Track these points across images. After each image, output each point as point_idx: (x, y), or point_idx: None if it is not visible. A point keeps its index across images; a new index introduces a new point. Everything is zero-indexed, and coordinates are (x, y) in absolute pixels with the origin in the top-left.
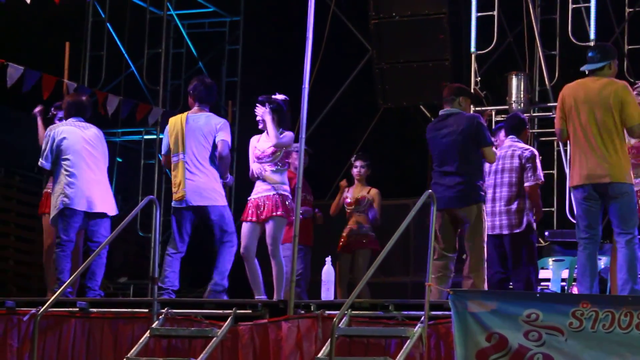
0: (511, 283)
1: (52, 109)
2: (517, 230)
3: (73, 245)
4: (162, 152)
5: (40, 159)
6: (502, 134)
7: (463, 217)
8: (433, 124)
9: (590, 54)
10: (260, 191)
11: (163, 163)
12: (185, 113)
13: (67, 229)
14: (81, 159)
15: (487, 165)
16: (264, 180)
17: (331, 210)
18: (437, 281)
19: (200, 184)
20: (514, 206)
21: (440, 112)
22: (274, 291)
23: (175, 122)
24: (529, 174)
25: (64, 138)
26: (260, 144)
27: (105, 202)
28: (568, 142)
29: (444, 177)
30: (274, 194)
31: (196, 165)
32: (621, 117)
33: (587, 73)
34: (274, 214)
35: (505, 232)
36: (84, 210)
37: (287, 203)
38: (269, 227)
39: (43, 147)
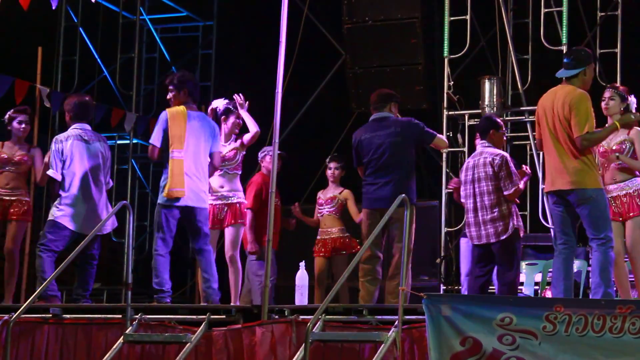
0: (494, 287)
1: (11, 111)
2: (504, 237)
3: (57, 254)
4: (156, 144)
5: (51, 169)
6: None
7: (394, 219)
8: (366, 128)
9: (565, 60)
10: (218, 197)
11: (152, 154)
12: (183, 108)
13: (57, 238)
14: (79, 178)
15: (462, 175)
16: (221, 187)
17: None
18: (367, 284)
19: (198, 185)
20: (498, 213)
21: (373, 117)
22: (232, 297)
23: (176, 115)
24: (507, 182)
25: (71, 153)
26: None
27: (94, 222)
28: None
29: (377, 178)
30: (231, 201)
31: (195, 165)
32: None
33: (562, 79)
34: (233, 221)
35: (493, 240)
36: (72, 229)
37: (244, 209)
38: (227, 233)
39: (51, 159)
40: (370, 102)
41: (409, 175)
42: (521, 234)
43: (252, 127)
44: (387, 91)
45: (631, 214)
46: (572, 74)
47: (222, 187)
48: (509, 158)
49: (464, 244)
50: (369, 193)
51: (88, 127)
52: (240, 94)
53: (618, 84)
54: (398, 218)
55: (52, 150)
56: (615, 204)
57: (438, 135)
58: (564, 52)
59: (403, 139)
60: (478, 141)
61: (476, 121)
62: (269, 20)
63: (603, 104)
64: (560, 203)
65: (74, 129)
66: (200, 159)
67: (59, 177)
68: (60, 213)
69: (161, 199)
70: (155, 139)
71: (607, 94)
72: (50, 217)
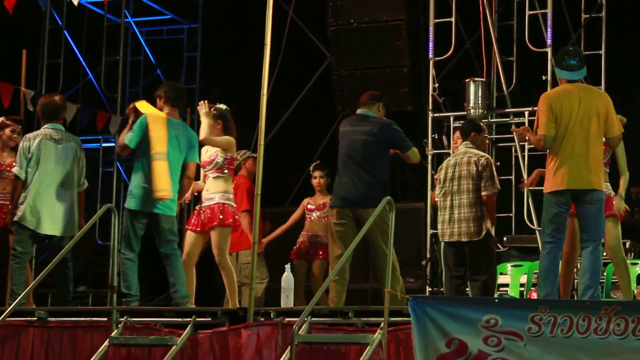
0: (468, 288)
1: (4, 118)
2: (476, 239)
3: (29, 257)
4: (130, 144)
5: (16, 167)
6: (456, 134)
7: (363, 218)
8: (348, 120)
9: (572, 62)
10: (203, 200)
11: (122, 152)
12: (164, 114)
13: (22, 241)
14: (45, 177)
15: (441, 173)
16: (206, 189)
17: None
18: (336, 285)
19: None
20: (474, 213)
21: (358, 112)
22: (229, 300)
23: (156, 119)
24: (488, 183)
25: (38, 152)
26: (204, 151)
27: (57, 223)
28: (526, 146)
29: (351, 175)
30: (217, 203)
31: (172, 172)
32: (605, 126)
33: (566, 80)
34: (216, 223)
35: (465, 239)
36: (33, 229)
37: (231, 211)
38: (214, 236)
39: (17, 157)
40: (359, 100)
41: (379, 176)
42: (492, 238)
43: (201, 134)
44: (377, 93)
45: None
46: (583, 75)
47: (207, 190)
48: (492, 161)
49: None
50: (338, 191)
51: (60, 127)
52: (205, 101)
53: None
54: (367, 218)
55: (20, 148)
56: None
57: (414, 148)
58: (551, 52)
59: (377, 140)
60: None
61: (461, 123)
62: (253, 23)
63: None
64: (565, 203)
65: (45, 128)
66: (178, 167)
67: (22, 176)
68: (20, 213)
69: (128, 204)
70: (132, 140)
71: None
72: (15, 218)
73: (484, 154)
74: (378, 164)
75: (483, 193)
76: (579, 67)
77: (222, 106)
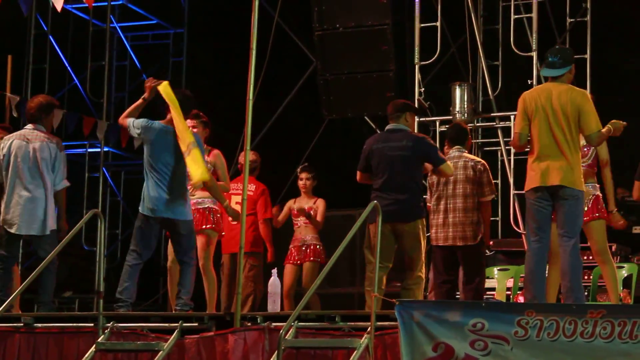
0: (459, 293)
1: None
2: (472, 243)
3: (14, 261)
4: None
5: None
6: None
7: (404, 232)
8: (379, 136)
9: (551, 59)
10: (193, 204)
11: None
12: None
13: (4, 244)
14: (16, 177)
15: (435, 177)
16: (193, 193)
17: (276, 225)
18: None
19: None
20: (470, 218)
21: (388, 127)
22: (207, 305)
23: (174, 110)
24: (486, 189)
25: (8, 153)
26: None
27: (34, 223)
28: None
29: (388, 190)
30: (202, 208)
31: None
32: (579, 124)
33: (548, 79)
34: (204, 227)
35: (459, 243)
36: (11, 231)
37: (215, 216)
38: (199, 241)
39: None
40: (386, 111)
41: (418, 192)
42: (488, 244)
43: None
44: (402, 101)
45: (590, 217)
46: (561, 72)
47: (193, 195)
48: (488, 167)
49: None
50: (381, 205)
51: (43, 127)
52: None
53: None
54: (409, 231)
55: None
56: None
57: (448, 162)
58: (536, 56)
59: (413, 154)
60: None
61: (447, 127)
62: (239, 27)
63: None
64: (544, 198)
65: (24, 129)
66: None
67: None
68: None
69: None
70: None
71: None
72: None
73: (479, 159)
74: (413, 178)
75: (482, 199)
76: (560, 64)
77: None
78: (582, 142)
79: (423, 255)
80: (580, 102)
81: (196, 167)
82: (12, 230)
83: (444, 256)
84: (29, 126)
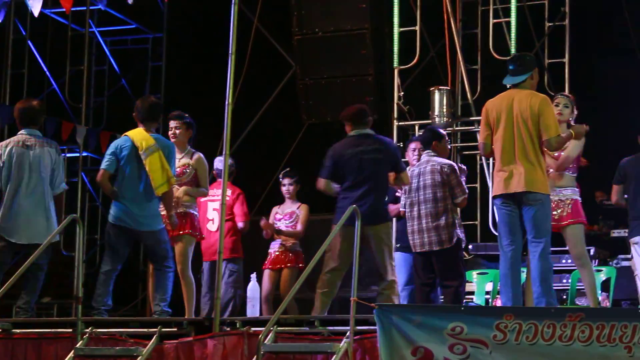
0: (441, 296)
1: None
2: (448, 246)
3: (5, 268)
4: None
5: None
6: (411, 145)
7: (370, 235)
8: (349, 141)
9: (510, 67)
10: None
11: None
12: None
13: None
14: (19, 186)
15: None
16: (177, 197)
17: (266, 235)
18: (323, 297)
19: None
20: (442, 222)
21: (356, 132)
22: (186, 311)
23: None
24: (457, 190)
25: (9, 160)
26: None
27: (34, 232)
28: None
29: (355, 193)
30: (186, 212)
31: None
32: (538, 129)
33: (508, 86)
34: (181, 232)
35: (436, 248)
36: (9, 239)
37: (195, 221)
38: (177, 246)
39: None
40: (345, 118)
41: (384, 193)
42: (462, 245)
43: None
44: (363, 108)
45: (569, 221)
46: (521, 79)
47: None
48: (457, 167)
49: (398, 257)
50: (346, 208)
51: (37, 132)
52: None
53: (567, 93)
54: (376, 234)
55: None
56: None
57: (407, 172)
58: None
59: (385, 157)
60: (411, 149)
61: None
62: (218, 32)
63: (556, 110)
64: (508, 204)
65: (20, 134)
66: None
67: None
68: None
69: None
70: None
71: (560, 101)
72: None
73: (447, 161)
74: (383, 181)
75: (455, 201)
76: (520, 71)
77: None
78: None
79: (392, 257)
80: (540, 107)
81: (155, 173)
82: (13, 240)
83: (423, 261)
84: (23, 131)
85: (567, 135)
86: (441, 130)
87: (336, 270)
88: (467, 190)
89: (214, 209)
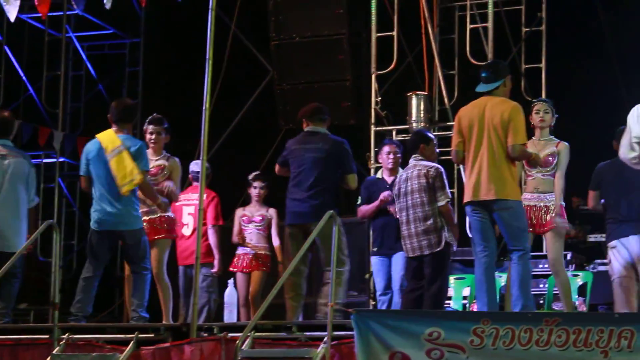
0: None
1: None
2: (438, 249)
3: None
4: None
5: None
6: (385, 148)
7: (322, 233)
8: (299, 138)
9: (483, 74)
10: (142, 214)
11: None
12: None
13: None
14: None
15: (395, 188)
16: (143, 202)
17: (233, 239)
18: (291, 301)
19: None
20: (432, 225)
21: (307, 129)
22: (163, 316)
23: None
24: (439, 193)
25: None
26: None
27: (7, 240)
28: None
29: (300, 191)
30: (154, 217)
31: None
32: (506, 135)
33: (482, 93)
34: (156, 237)
35: (427, 252)
36: None
37: (168, 224)
38: (153, 251)
39: None
40: (302, 115)
41: (330, 193)
42: (454, 248)
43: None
44: (320, 106)
45: (547, 227)
46: (493, 87)
47: (144, 202)
48: (443, 170)
49: (376, 261)
50: (291, 207)
51: (9, 143)
52: None
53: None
54: (325, 234)
55: None
56: (528, 214)
57: (355, 174)
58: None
59: (329, 157)
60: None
61: (404, 137)
62: (196, 37)
63: (537, 117)
64: (479, 211)
65: None
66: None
67: None
68: None
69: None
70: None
71: (540, 107)
72: None
73: (433, 164)
74: (329, 179)
75: (438, 204)
76: (493, 79)
77: None
78: (549, 150)
79: (342, 252)
80: (510, 114)
81: (119, 173)
82: None
83: (415, 266)
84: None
85: (529, 153)
86: (429, 133)
87: (294, 272)
88: (450, 196)
89: (189, 213)
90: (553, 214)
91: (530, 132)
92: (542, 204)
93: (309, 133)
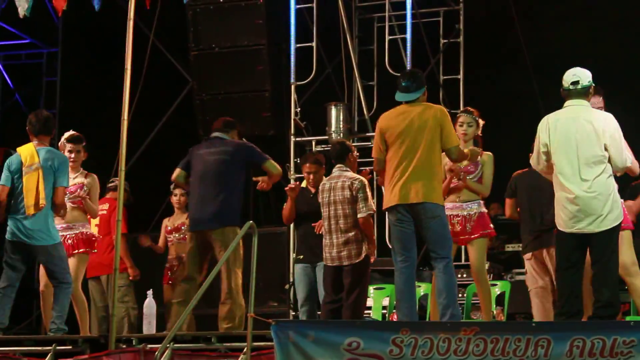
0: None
1: None
2: (357, 261)
3: None
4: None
5: None
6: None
7: (214, 239)
8: (202, 144)
9: (404, 84)
10: (61, 230)
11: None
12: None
13: None
14: None
15: (319, 196)
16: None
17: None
18: (178, 306)
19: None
20: (352, 237)
21: (212, 135)
22: (80, 329)
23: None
24: (361, 205)
25: None
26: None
27: None
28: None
29: (201, 197)
30: (72, 233)
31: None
32: (441, 139)
33: (403, 102)
34: (74, 252)
35: (346, 262)
36: None
37: (86, 239)
38: (71, 264)
39: None
40: (213, 128)
41: (233, 197)
42: (372, 260)
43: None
44: (231, 120)
45: (474, 236)
46: (417, 96)
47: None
48: (367, 183)
49: (299, 270)
50: (191, 213)
51: None
52: None
53: (471, 109)
54: (217, 239)
55: None
56: (451, 223)
57: (271, 160)
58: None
59: (232, 159)
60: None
61: (324, 147)
62: (114, 47)
63: (461, 130)
64: (402, 220)
65: None
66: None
67: None
68: None
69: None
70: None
71: (464, 120)
72: None
73: (357, 176)
74: (231, 184)
75: (358, 216)
76: (415, 88)
77: None
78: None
79: (237, 264)
80: (441, 118)
81: (28, 192)
82: None
83: (333, 277)
84: None
85: (467, 153)
86: (348, 143)
87: (187, 278)
88: (373, 208)
89: (95, 224)
90: (476, 223)
91: None
92: (465, 213)
93: (213, 138)
